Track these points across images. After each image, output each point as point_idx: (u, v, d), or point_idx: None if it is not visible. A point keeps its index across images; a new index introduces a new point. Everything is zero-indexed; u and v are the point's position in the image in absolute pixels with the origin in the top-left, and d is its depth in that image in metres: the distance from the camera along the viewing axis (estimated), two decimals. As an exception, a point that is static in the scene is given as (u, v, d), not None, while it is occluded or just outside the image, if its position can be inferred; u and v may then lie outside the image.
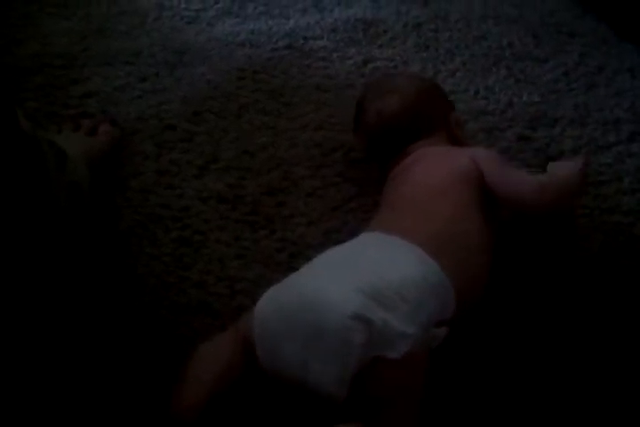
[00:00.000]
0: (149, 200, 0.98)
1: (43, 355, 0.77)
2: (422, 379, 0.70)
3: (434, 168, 0.89)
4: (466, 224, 0.82)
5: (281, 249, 0.91)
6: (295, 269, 0.79)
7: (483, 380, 0.78)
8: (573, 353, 0.81)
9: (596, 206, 0.99)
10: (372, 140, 0.99)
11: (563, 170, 0.90)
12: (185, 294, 0.86)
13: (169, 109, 1.14)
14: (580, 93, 1.21)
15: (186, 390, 0.70)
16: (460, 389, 0.77)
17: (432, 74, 1.24)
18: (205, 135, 1.10)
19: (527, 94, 1.20)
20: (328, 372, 0.68)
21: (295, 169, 1.04)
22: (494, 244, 0.85)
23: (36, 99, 1.16)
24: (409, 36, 1.34)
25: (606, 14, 1.41)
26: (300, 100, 1.17)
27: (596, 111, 1.17)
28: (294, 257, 0.90)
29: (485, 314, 0.83)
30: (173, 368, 0.73)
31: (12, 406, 0.72)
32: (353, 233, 0.84)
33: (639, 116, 1.16)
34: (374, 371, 0.68)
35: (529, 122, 1.14)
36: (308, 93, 1.19)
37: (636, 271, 0.91)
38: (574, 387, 0.78)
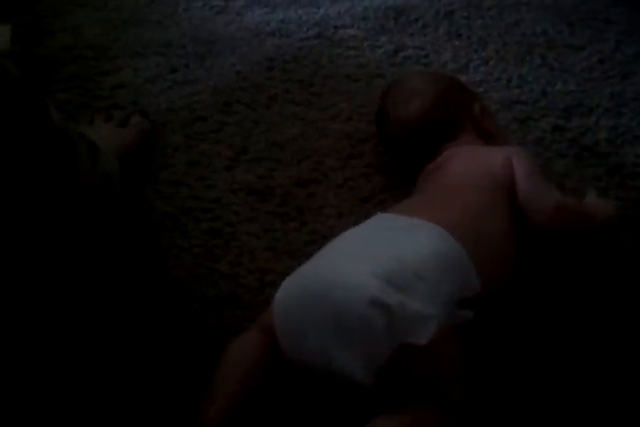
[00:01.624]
0: (180, 192, 0.98)
1: (71, 347, 0.78)
2: (456, 359, 0.69)
3: (466, 164, 0.89)
4: (491, 210, 0.82)
5: (311, 241, 0.91)
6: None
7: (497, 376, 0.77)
8: (598, 351, 0.80)
9: (631, 198, 0.97)
10: (399, 149, 0.99)
11: (596, 203, 0.91)
12: (215, 286, 0.86)
13: (199, 100, 1.14)
14: (615, 82, 1.19)
15: (214, 402, 0.68)
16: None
17: (464, 62, 1.23)
18: (235, 126, 1.09)
19: (561, 83, 1.18)
20: (351, 360, 0.68)
21: (325, 160, 1.04)
22: (518, 237, 0.84)
23: (68, 90, 1.16)
24: (440, 24, 1.32)
25: (643, 0, 1.38)
26: (330, 91, 1.17)
27: (632, 100, 1.14)
28: (324, 249, 0.90)
29: (509, 307, 0.82)
30: (203, 361, 0.74)
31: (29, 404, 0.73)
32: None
33: (677, 105, 1.14)
34: (404, 359, 0.68)
35: (563, 111, 1.12)
36: (339, 83, 1.18)
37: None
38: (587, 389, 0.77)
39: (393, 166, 1.02)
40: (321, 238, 0.92)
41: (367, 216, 0.85)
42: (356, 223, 0.86)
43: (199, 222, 0.94)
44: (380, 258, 0.72)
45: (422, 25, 1.32)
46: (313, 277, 0.74)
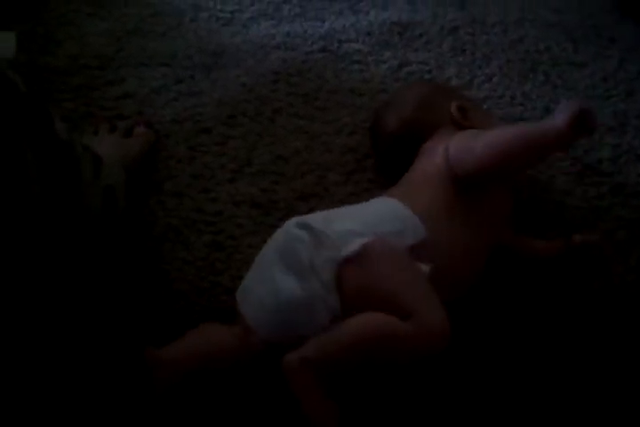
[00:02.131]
0: (183, 204, 0.99)
1: (73, 359, 0.78)
2: (407, 273, 0.72)
3: (418, 164, 0.91)
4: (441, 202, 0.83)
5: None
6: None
7: (484, 380, 0.77)
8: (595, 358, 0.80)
9: (634, 218, 0.97)
10: (391, 163, 1.00)
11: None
12: (216, 299, 0.86)
13: (204, 112, 1.14)
14: (619, 100, 1.19)
15: (171, 348, 0.73)
16: (460, 389, 0.76)
17: (468, 79, 1.23)
18: (240, 139, 1.10)
19: (565, 100, 1.18)
20: (288, 279, 0.72)
21: (329, 174, 1.04)
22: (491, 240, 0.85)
23: (73, 99, 1.17)
24: (445, 40, 1.33)
25: (647, 19, 1.38)
26: (334, 105, 1.17)
27: (636, 118, 1.15)
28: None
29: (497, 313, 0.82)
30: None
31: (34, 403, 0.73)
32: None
33: (680, 125, 1.14)
34: (342, 275, 0.71)
35: (566, 129, 1.12)
36: (343, 97, 1.19)
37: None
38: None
39: (395, 182, 1.02)
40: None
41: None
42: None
43: (202, 235, 0.94)
44: (318, 213, 0.82)
45: (427, 40, 1.33)
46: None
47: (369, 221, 0.78)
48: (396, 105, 1.00)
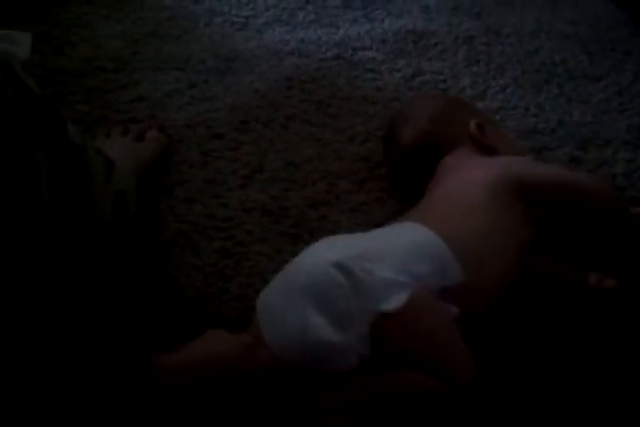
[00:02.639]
0: (194, 209, 0.98)
1: (79, 365, 0.78)
2: (442, 326, 0.70)
3: (456, 177, 0.89)
4: (482, 227, 0.81)
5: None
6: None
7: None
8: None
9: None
10: (404, 173, 1.00)
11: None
12: (225, 306, 0.86)
13: (216, 117, 1.14)
14: (633, 114, 1.18)
15: (174, 354, 0.72)
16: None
17: (482, 89, 1.23)
18: (252, 145, 1.10)
19: (579, 113, 1.18)
20: (322, 320, 0.69)
21: (340, 182, 1.04)
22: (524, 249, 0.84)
23: (87, 102, 1.17)
24: (459, 50, 1.33)
25: (664, 33, 1.38)
26: (347, 112, 1.17)
27: (650, 133, 1.14)
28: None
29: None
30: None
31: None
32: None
33: (695, 140, 1.13)
34: (380, 329, 0.69)
35: (580, 142, 1.11)
36: (356, 105, 1.19)
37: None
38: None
39: (407, 192, 1.02)
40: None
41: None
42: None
43: (212, 241, 0.94)
44: (355, 241, 0.78)
45: (441, 50, 1.32)
46: (288, 266, 0.78)
47: (408, 261, 0.74)
48: (413, 116, 0.99)
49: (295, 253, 0.92)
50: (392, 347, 0.69)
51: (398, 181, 1.02)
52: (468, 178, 0.88)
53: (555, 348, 0.82)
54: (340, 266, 0.71)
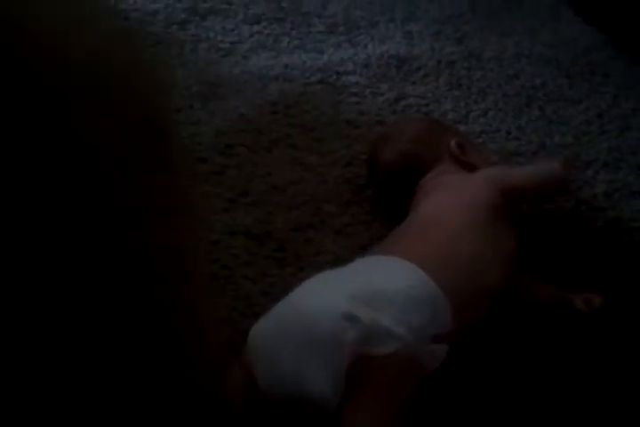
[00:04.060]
0: (179, 233, 0.99)
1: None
2: (408, 391, 0.70)
3: (438, 198, 0.91)
4: (469, 247, 0.83)
5: (308, 288, 0.91)
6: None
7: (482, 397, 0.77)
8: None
9: (628, 253, 0.98)
10: (388, 195, 1.01)
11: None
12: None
13: (202, 142, 1.15)
14: (613, 136, 1.20)
15: None
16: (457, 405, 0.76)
17: (464, 113, 1.24)
18: (236, 169, 1.10)
19: (560, 136, 1.20)
20: (322, 377, 0.69)
21: (324, 205, 1.05)
22: (509, 265, 0.85)
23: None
24: (442, 74, 1.35)
25: (641, 56, 1.40)
26: (331, 136, 1.18)
27: (630, 155, 1.16)
28: (321, 296, 0.90)
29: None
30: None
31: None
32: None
33: (674, 161, 1.15)
34: (361, 368, 0.69)
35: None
36: (340, 129, 1.20)
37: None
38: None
39: (391, 214, 1.03)
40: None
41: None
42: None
43: (197, 265, 0.94)
44: (354, 283, 0.76)
45: (424, 74, 1.34)
46: (285, 304, 0.77)
47: (407, 312, 0.73)
48: (393, 138, 1.02)
49: (281, 277, 0.93)
50: (360, 385, 0.69)
51: (382, 203, 1.03)
52: (451, 198, 0.89)
53: (547, 355, 0.82)
54: (351, 317, 0.71)
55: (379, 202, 1.04)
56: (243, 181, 1.08)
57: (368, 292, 0.74)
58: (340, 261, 0.95)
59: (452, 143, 0.98)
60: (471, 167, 0.97)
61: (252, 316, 0.87)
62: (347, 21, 1.48)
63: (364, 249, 0.97)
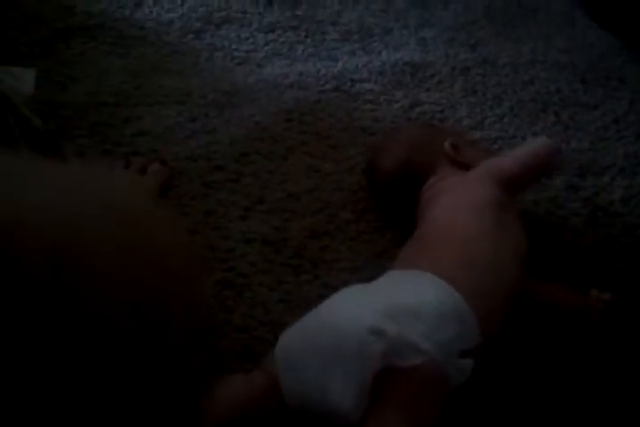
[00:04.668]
0: (195, 241, 0.99)
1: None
2: (433, 406, 0.70)
3: (451, 204, 0.91)
4: (488, 254, 0.82)
5: (324, 295, 0.90)
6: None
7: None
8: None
9: (646, 260, 0.97)
10: (389, 203, 1.01)
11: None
12: (228, 337, 0.86)
13: (217, 150, 1.15)
14: (630, 142, 1.20)
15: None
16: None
17: (479, 119, 1.24)
18: (252, 177, 1.11)
19: (576, 141, 1.19)
20: (347, 390, 0.69)
21: (340, 213, 1.05)
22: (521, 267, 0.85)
23: (90, 136, 1.18)
24: (456, 81, 1.35)
25: (657, 61, 1.40)
26: (346, 143, 1.18)
27: (647, 160, 1.16)
28: (337, 303, 0.90)
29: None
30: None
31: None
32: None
33: (691, 167, 1.14)
34: (387, 382, 0.69)
35: (577, 170, 1.13)
36: (355, 136, 1.20)
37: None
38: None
39: (407, 221, 1.03)
40: (333, 292, 0.91)
41: (381, 271, 0.86)
42: (369, 278, 0.87)
43: (213, 272, 0.95)
44: (382, 298, 0.76)
45: (438, 81, 1.34)
46: (313, 316, 0.77)
47: (434, 327, 0.73)
48: (388, 148, 1.02)
49: (297, 284, 0.93)
50: (385, 398, 0.69)
51: (387, 215, 1.03)
52: (459, 203, 0.89)
53: (556, 357, 0.82)
54: (378, 332, 0.71)
55: (383, 214, 1.04)
56: (258, 188, 1.09)
57: (395, 306, 0.74)
58: (355, 268, 0.96)
59: (446, 145, 0.98)
60: (468, 167, 0.96)
61: (269, 323, 0.88)
62: (361, 29, 1.48)
63: (379, 256, 0.97)
